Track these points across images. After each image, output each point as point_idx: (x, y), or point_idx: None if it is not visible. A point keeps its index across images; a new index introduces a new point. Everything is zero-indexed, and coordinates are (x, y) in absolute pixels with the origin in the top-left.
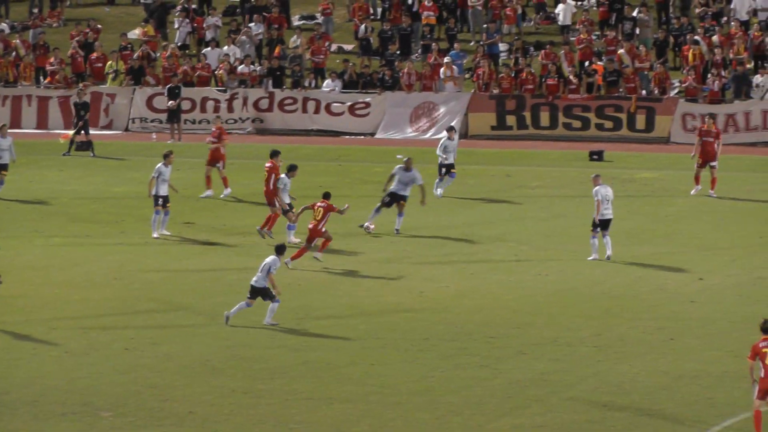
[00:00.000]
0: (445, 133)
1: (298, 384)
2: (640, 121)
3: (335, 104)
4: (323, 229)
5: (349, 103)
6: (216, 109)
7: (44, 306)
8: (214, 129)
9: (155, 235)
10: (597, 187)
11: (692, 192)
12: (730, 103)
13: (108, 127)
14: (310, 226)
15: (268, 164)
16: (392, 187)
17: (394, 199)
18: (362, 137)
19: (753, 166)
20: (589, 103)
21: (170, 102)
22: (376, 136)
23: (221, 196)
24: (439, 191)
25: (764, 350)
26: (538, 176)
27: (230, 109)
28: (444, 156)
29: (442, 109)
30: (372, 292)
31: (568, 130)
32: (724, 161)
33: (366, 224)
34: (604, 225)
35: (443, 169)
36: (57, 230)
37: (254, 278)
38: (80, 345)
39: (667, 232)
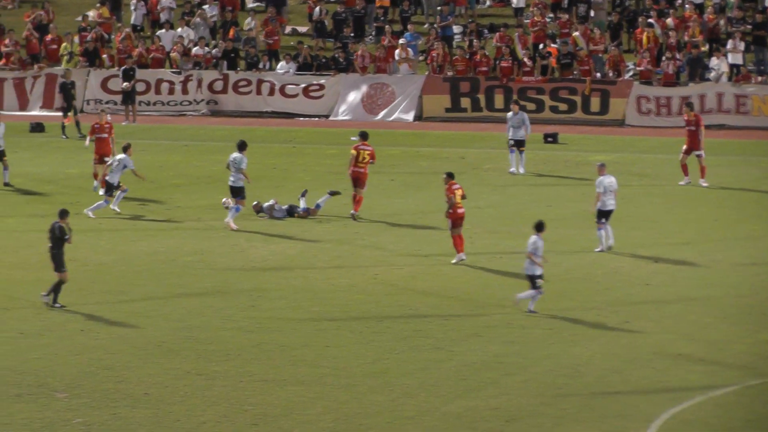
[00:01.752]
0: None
1: (251, 366)
2: (595, 103)
3: (290, 86)
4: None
5: (303, 85)
6: (171, 91)
7: None
8: (103, 122)
9: (92, 215)
10: (601, 177)
11: (681, 183)
12: (684, 86)
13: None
14: (461, 211)
15: (368, 148)
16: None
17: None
18: (316, 119)
19: (707, 150)
20: (544, 85)
21: (125, 84)
22: (331, 118)
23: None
24: (521, 170)
25: None
26: (492, 159)
27: (185, 91)
28: (513, 130)
29: (396, 92)
30: (325, 275)
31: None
32: (677, 145)
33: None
34: (606, 215)
35: (512, 141)
36: (10, 211)
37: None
38: (35, 326)
39: (620, 215)
